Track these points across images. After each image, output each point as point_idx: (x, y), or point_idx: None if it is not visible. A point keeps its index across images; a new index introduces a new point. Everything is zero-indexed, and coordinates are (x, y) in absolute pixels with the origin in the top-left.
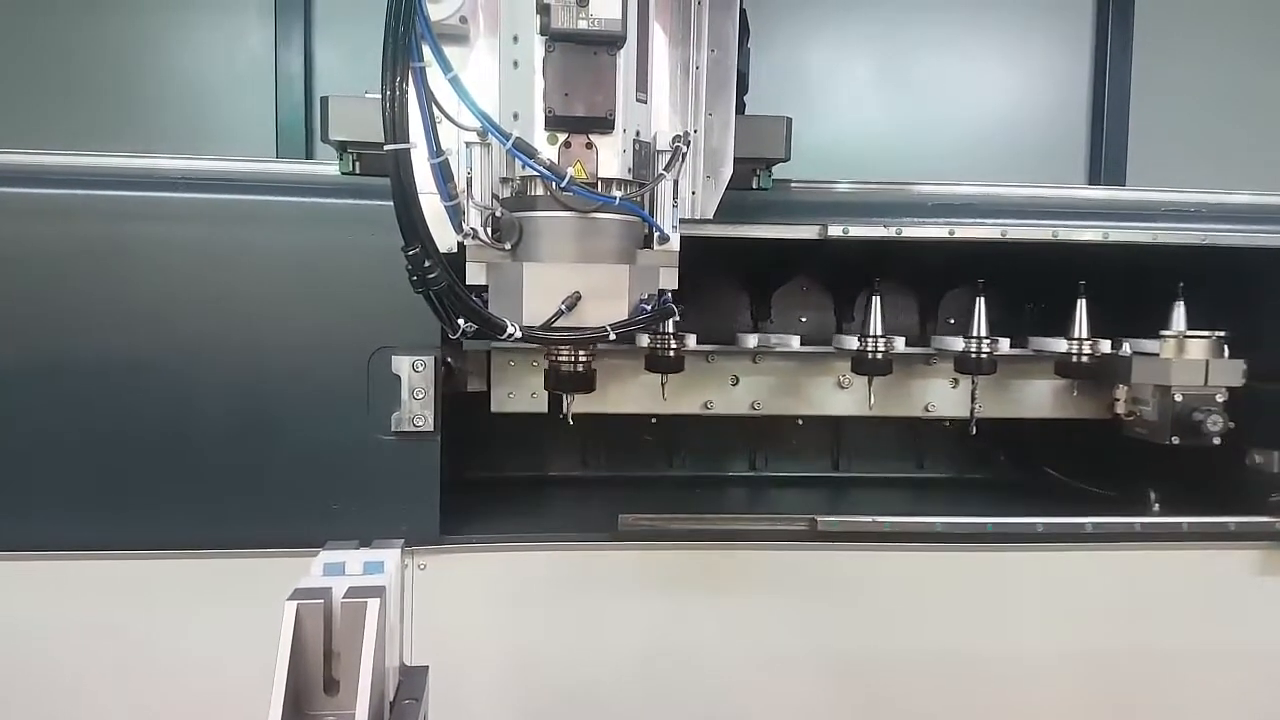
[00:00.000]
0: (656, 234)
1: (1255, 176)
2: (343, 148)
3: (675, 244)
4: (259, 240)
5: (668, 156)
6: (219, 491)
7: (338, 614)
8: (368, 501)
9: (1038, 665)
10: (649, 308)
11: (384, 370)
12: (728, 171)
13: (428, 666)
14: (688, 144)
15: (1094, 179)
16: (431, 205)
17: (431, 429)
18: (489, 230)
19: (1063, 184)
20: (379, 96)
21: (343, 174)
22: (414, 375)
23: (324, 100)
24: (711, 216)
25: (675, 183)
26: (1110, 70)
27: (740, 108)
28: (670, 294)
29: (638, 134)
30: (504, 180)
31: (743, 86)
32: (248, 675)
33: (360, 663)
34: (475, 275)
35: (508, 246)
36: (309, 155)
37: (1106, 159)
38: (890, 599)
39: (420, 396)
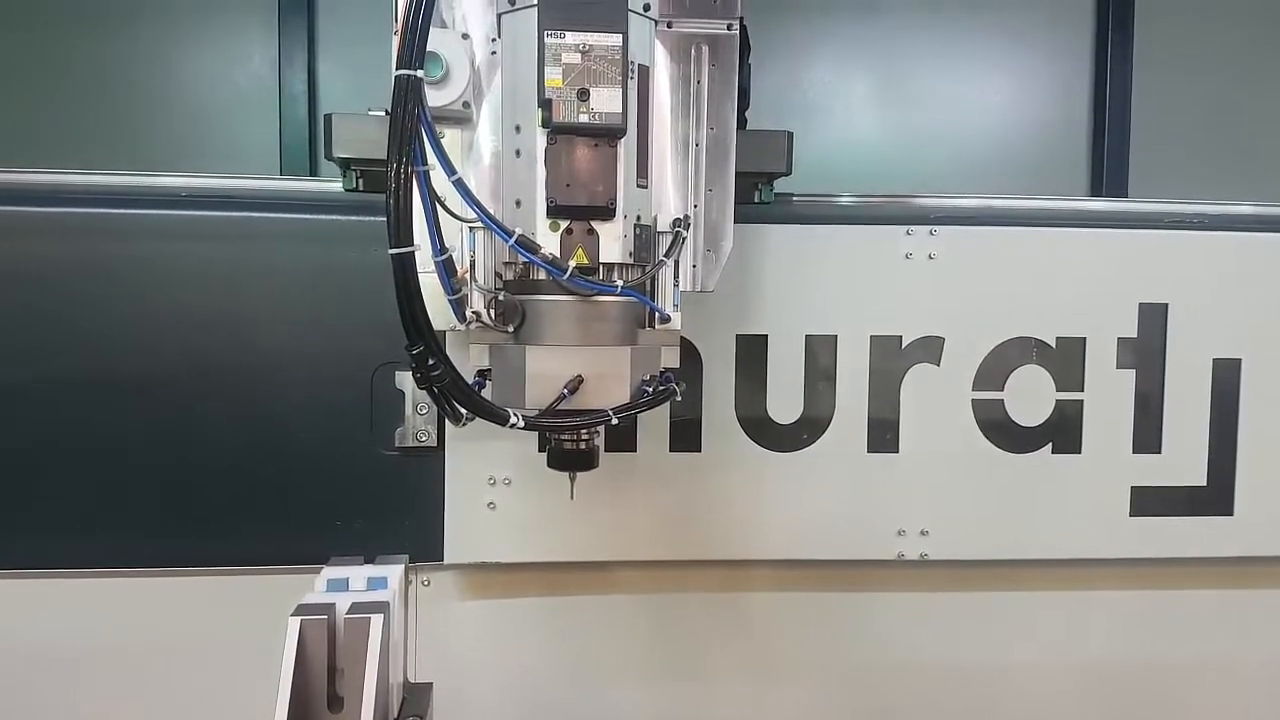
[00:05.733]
0: (658, 314)
1: (1259, 186)
2: (346, 165)
3: (677, 323)
4: (262, 257)
5: (669, 240)
6: (222, 509)
7: (341, 630)
8: (371, 518)
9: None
10: (650, 389)
11: (387, 386)
12: (728, 245)
13: (431, 683)
14: (688, 227)
15: (1096, 190)
16: (430, 282)
17: (435, 444)
18: (492, 312)
19: (1065, 196)
20: (382, 114)
21: (346, 191)
22: (417, 391)
23: (328, 118)
24: (713, 289)
25: (676, 262)
26: (1111, 81)
27: (742, 123)
28: (672, 373)
29: (638, 218)
30: (507, 263)
31: (744, 101)
32: (252, 692)
33: (364, 679)
34: (478, 357)
35: (510, 329)
36: (313, 174)
37: (1108, 170)
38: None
39: (424, 412)
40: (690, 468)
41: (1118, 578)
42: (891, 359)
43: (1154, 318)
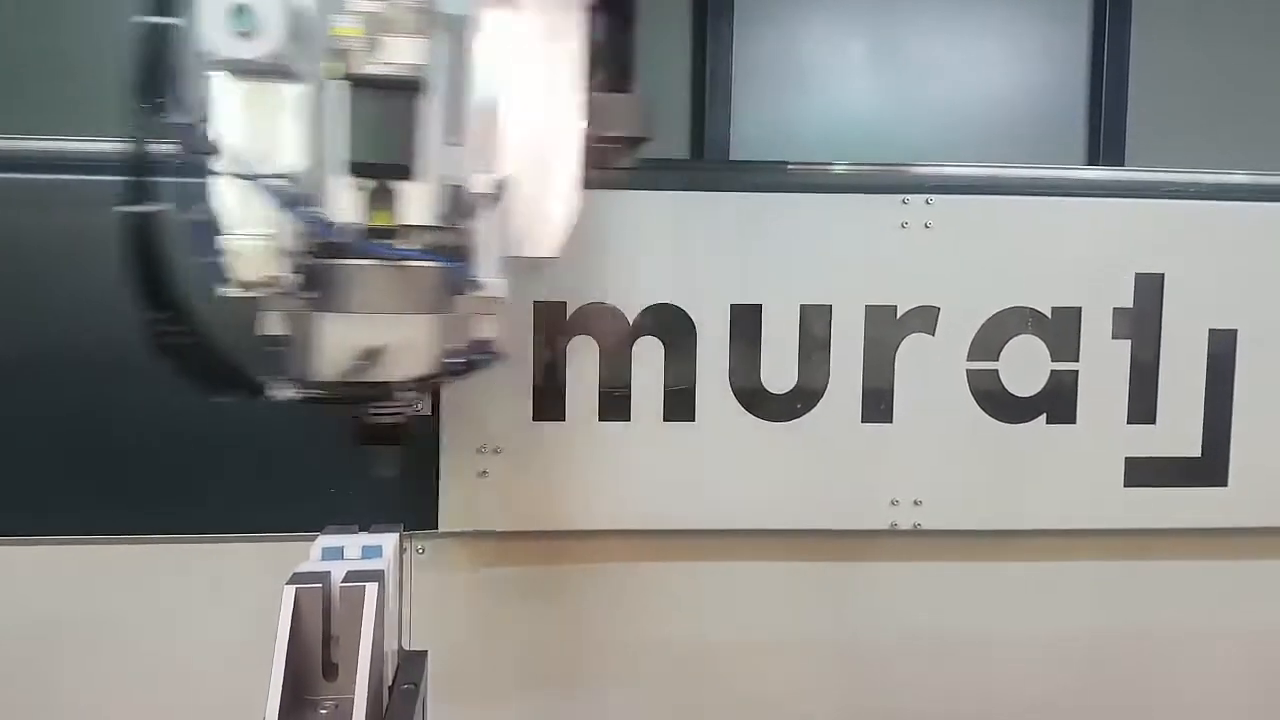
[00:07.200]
0: (471, 281)
1: (1260, 155)
2: None
3: (499, 290)
4: None
5: (487, 201)
6: (217, 476)
7: (336, 598)
8: (366, 486)
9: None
10: (461, 360)
11: None
12: (573, 210)
13: (426, 651)
14: (506, 189)
15: (1093, 159)
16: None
17: (429, 413)
18: (289, 276)
19: (1062, 164)
20: None
21: None
22: None
23: None
24: (555, 255)
25: (501, 226)
26: (1109, 47)
27: (628, 88)
28: (492, 343)
29: (450, 179)
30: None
31: (626, 67)
32: (246, 660)
33: (359, 647)
34: (274, 326)
35: (308, 294)
36: None
37: (1105, 138)
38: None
39: None
40: (684, 437)
41: (1111, 548)
42: (886, 329)
43: (1150, 288)
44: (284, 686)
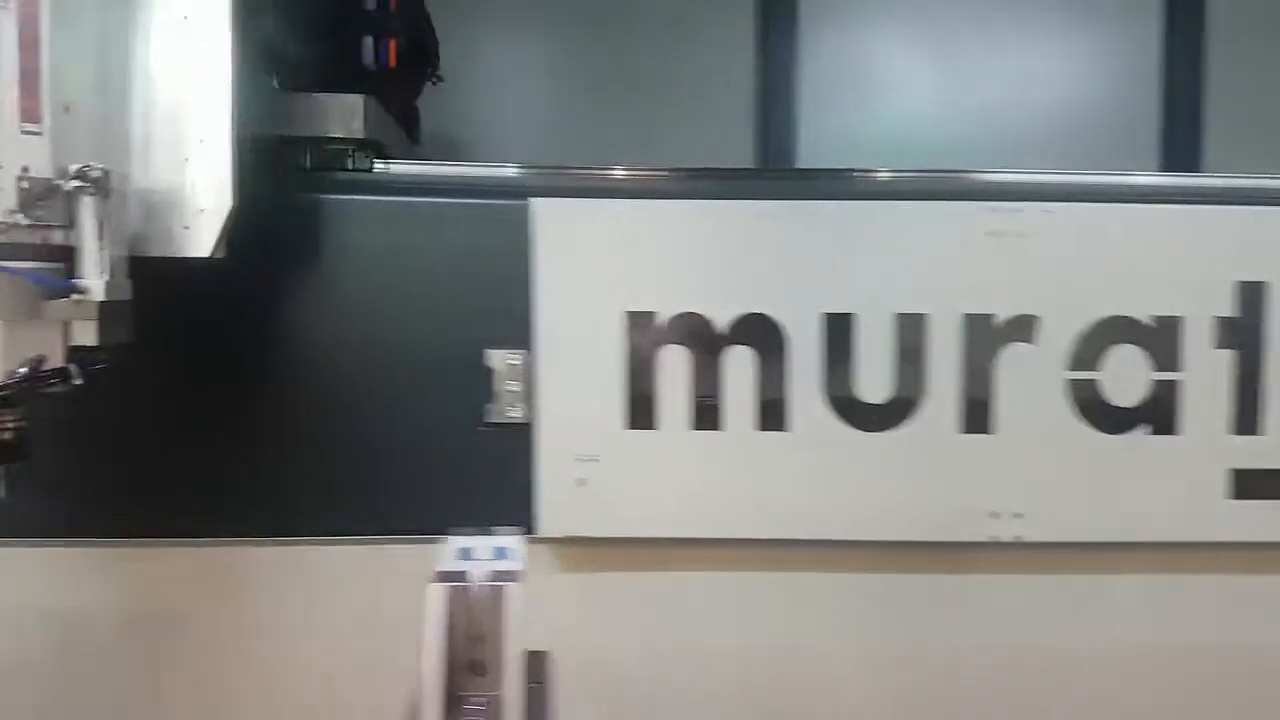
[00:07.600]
0: (70, 283)
1: None
2: None
3: (99, 294)
4: (365, 241)
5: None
6: (319, 483)
7: (481, 597)
8: (463, 492)
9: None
10: (34, 373)
11: (476, 363)
12: (223, 206)
13: (548, 652)
14: (100, 182)
15: (1167, 164)
16: None
17: (525, 420)
18: None
19: (1133, 171)
20: None
21: None
22: (508, 368)
23: None
24: (211, 254)
25: (105, 224)
26: (1183, 49)
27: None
28: (84, 355)
29: (25, 170)
30: None
31: (432, 61)
32: (372, 659)
33: (503, 644)
34: None
35: None
36: None
37: (1180, 143)
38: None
39: (514, 389)
40: (778, 447)
41: (1217, 562)
42: (984, 338)
43: (1252, 296)
44: (441, 684)
